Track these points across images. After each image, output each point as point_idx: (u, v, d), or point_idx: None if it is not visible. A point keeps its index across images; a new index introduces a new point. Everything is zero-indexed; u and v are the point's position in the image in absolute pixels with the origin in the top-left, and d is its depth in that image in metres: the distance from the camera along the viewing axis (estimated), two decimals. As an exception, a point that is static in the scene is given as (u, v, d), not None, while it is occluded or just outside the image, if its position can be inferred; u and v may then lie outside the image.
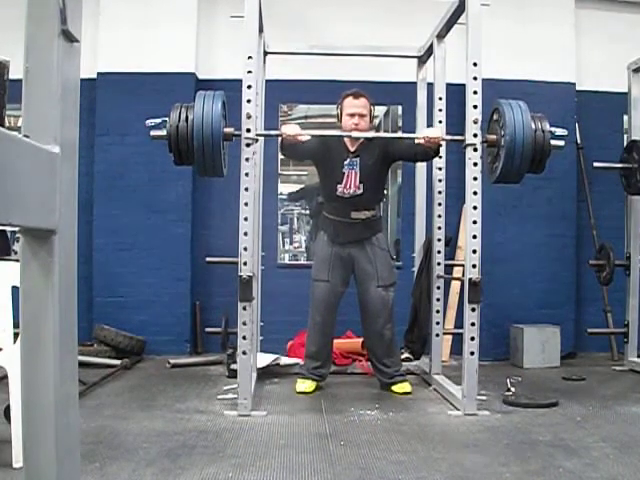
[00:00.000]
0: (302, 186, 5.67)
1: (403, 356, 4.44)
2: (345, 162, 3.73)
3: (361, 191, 3.73)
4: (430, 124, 4.26)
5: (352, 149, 3.76)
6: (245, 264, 3.31)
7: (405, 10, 5.07)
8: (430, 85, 4.34)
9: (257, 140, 3.48)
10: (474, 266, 3.31)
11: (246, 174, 3.31)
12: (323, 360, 3.88)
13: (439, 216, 4.19)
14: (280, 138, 3.68)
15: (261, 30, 3.97)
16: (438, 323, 4.15)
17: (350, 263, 3.83)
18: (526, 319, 4.93)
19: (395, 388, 3.82)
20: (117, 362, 4.37)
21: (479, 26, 3.37)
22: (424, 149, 3.63)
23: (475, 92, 3.34)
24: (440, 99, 4.15)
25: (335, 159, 3.74)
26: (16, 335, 2.44)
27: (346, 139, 3.76)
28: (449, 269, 4.52)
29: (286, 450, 2.69)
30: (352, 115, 3.70)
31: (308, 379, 3.83)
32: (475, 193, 3.33)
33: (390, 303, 3.83)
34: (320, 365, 3.87)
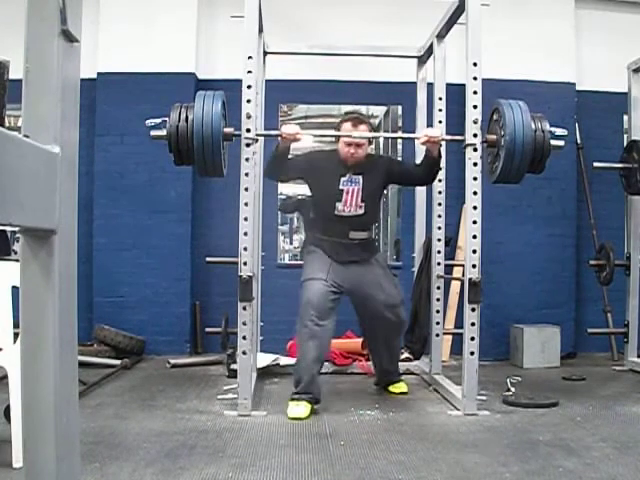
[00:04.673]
0: (297, 198, 5.42)
1: (403, 356, 4.44)
2: (343, 179, 3.48)
3: (363, 211, 3.49)
4: (430, 124, 4.26)
5: (352, 164, 3.49)
6: (245, 264, 3.31)
7: (405, 10, 5.07)
8: (430, 85, 4.34)
9: (257, 140, 3.48)
10: (474, 266, 3.31)
11: (246, 174, 3.31)
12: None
13: (439, 216, 4.19)
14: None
15: (261, 30, 3.97)
16: (438, 323, 4.15)
17: (347, 275, 3.48)
18: (526, 319, 4.93)
19: (392, 388, 3.80)
20: (117, 362, 4.37)
21: (479, 26, 3.36)
22: (428, 162, 3.51)
23: (475, 92, 3.34)
24: (440, 99, 4.15)
25: (330, 175, 3.50)
26: (16, 335, 2.44)
27: (342, 155, 3.50)
28: (449, 269, 4.52)
29: (286, 450, 2.69)
30: (349, 144, 3.46)
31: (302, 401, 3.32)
32: (475, 193, 3.33)
33: (402, 321, 3.64)
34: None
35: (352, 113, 3.64)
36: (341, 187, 3.49)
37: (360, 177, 3.51)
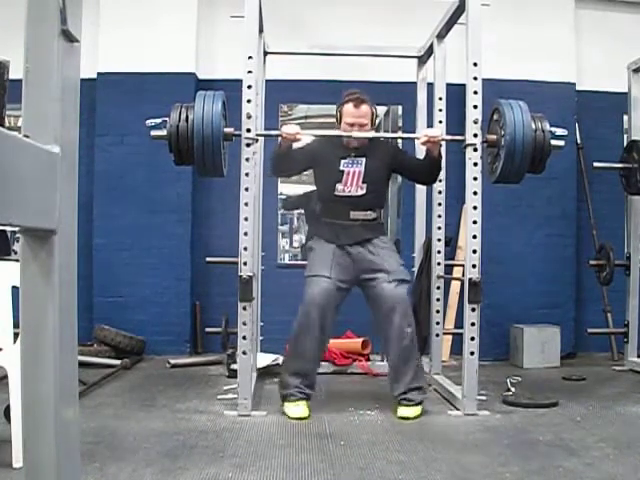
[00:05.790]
0: (301, 193, 5.44)
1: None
2: (343, 160, 3.46)
3: (363, 191, 3.45)
4: (430, 124, 4.26)
5: (355, 146, 3.48)
6: (245, 264, 3.31)
7: (405, 10, 5.07)
8: (430, 85, 4.34)
9: (257, 140, 3.48)
10: (474, 266, 3.31)
11: (246, 174, 3.31)
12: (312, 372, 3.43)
13: (439, 216, 4.19)
14: (269, 164, 3.55)
15: (261, 30, 3.97)
16: (438, 323, 4.15)
17: (351, 265, 3.41)
18: (526, 319, 4.93)
19: (401, 411, 3.24)
20: (117, 362, 4.37)
21: (479, 26, 3.36)
22: (429, 162, 3.48)
23: (475, 92, 3.34)
24: (440, 99, 4.16)
25: (331, 158, 3.49)
26: (16, 335, 2.44)
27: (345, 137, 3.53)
28: (449, 269, 4.52)
29: (286, 450, 2.69)
30: (352, 125, 3.43)
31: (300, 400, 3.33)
32: (475, 193, 3.33)
33: (406, 299, 3.35)
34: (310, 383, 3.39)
35: (353, 93, 3.51)
36: (342, 168, 3.46)
37: (363, 159, 3.47)
